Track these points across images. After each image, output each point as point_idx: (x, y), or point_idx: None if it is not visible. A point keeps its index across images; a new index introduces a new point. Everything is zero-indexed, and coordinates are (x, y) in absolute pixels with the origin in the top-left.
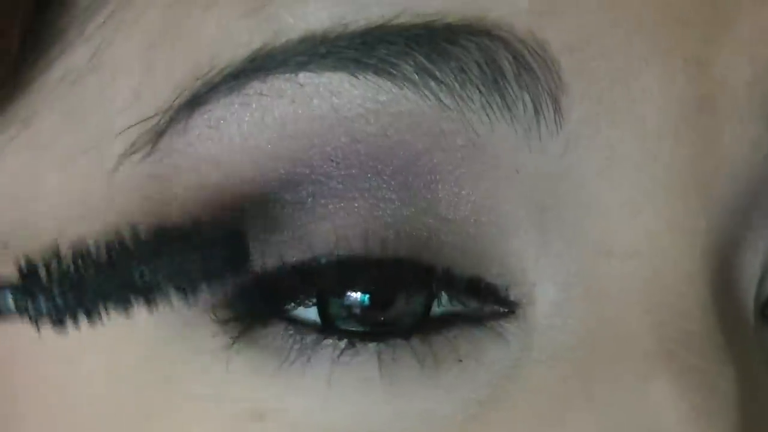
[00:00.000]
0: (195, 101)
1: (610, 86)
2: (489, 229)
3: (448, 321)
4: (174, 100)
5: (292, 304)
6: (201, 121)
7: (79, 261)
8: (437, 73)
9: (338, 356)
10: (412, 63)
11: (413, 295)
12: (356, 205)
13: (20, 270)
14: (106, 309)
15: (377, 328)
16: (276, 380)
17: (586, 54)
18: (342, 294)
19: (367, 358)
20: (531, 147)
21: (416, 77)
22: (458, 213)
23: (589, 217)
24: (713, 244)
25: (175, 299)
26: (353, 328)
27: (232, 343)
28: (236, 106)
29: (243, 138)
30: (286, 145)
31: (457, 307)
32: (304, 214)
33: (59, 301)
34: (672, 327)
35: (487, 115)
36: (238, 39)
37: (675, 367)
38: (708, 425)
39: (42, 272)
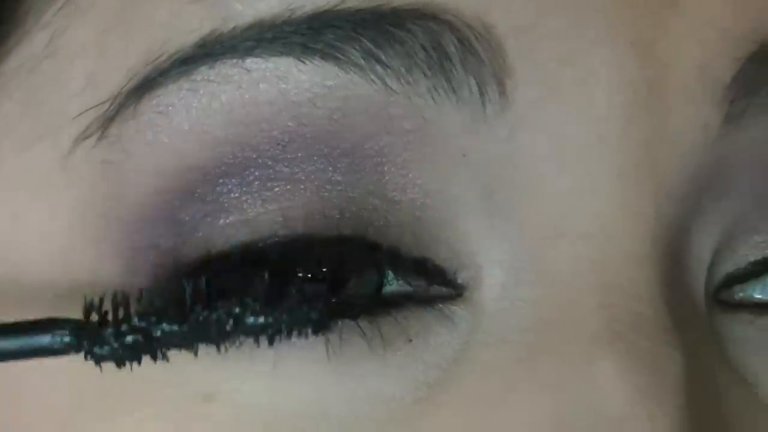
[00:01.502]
0: (144, 87)
1: (557, 69)
2: (437, 212)
3: (397, 303)
4: (124, 86)
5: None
6: (150, 106)
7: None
8: (383, 58)
9: (285, 337)
10: (358, 47)
11: (362, 276)
12: (302, 187)
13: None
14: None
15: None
16: (225, 363)
17: (532, 36)
18: (289, 275)
19: (314, 339)
20: (478, 130)
21: (362, 62)
22: (405, 195)
23: (538, 201)
24: (663, 227)
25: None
26: None
27: None
28: (185, 91)
29: (191, 124)
30: (233, 130)
31: (407, 288)
32: (251, 197)
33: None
34: (620, 309)
35: (434, 98)
36: (189, 25)
37: (622, 348)
38: (653, 407)
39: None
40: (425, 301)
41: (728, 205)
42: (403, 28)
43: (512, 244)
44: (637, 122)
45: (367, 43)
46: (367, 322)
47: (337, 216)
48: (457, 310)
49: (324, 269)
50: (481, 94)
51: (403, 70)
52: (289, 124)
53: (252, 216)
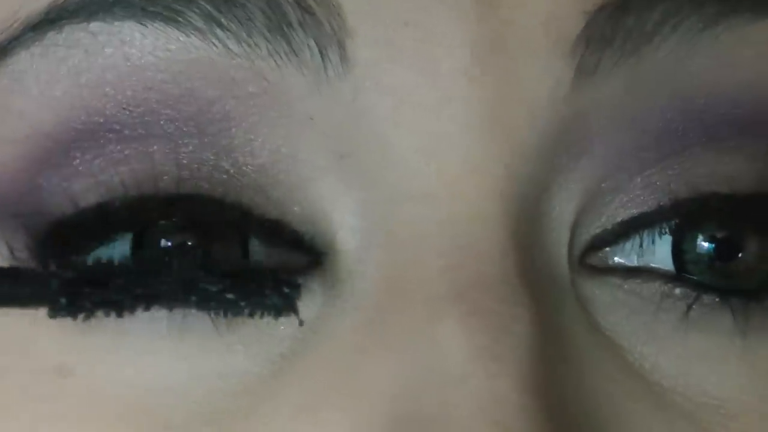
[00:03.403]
0: None
1: (398, 28)
2: (289, 176)
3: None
4: None
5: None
6: (5, 74)
7: None
8: (223, 21)
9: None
10: (197, 10)
11: (226, 243)
12: (153, 149)
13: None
14: None
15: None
16: (77, 336)
17: None
18: (141, 235)
19: (158, 313)
20: (321, 92)
21: (203, 25)
22: (256, 160)
23: (385, 162)
24: (514, 186)
25: None
26: None
27: None
28: (36, 57)
29: (41, 90)
30: (81, 94)
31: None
32: (103, 161)
33: None
34: (464, 270)
35: (275, 61)
36: None
37: (464, 308)
38: (493, 365)
39: None
40: (284, 271)
41: (589, 164)
42: None
43: (363, 207)
44: (481, 80)
45: (207, 6)
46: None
47: (188, 177)
48: (315, 277)
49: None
50: (322, 56)
51: (243, 33)
52: (135, 88)
53: (105, 179)
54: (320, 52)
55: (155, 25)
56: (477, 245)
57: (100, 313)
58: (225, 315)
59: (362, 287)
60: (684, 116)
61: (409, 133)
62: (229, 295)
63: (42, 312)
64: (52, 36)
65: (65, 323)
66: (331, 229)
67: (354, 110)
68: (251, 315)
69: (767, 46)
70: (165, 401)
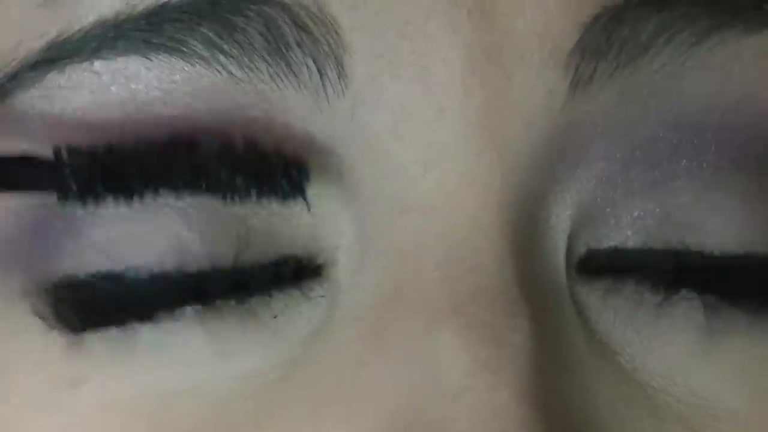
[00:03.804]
0: None
1: (394, 41)
2: (294, 203)
3: (261, 279)
4: None
5: None
6: (6, 114)
7: None
8: (225, 47)
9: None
10: (199, 38)
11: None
12: (167, 210)
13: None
14: None
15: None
16: (89, 346)
17: (366, 10)
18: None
19: (190, 321)
20: (322, 110)
21: (206, 52)
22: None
23: (384, 176)
24: (511, 197)
25: None
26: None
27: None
28: (38, 99)
29: (48, 131)
30: (90, 137)
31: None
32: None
33: None
34: (463, 281)
35: (276, 83)
36: (37, 29)
37: (462, 320)
38: (492, 379)
39: None
40: (287, 279)
41: (585, 174)
42: (240, 15)
43: (364, 221)
44: (477, 91)
45: (208, 33)
46: (235, 300)
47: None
48: (317, 288)
49: None
50: (321, 74)
51: (244, 58)
52: (144, 127)
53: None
54: (318, 71)
55: (159, 57)
56: (475, 256)
57: (110, 198)
58: (233, 198)
59: (362, 299)
60: (677, 129)
61: (407, 145)
62: (239, 179)
63: (54, 326)
64: (54, 77)
65: (76, 336)
66: (332, 246)
67: (352, 126)
68: (259, 198)
69: (759, 60)
70: (180, 407)
